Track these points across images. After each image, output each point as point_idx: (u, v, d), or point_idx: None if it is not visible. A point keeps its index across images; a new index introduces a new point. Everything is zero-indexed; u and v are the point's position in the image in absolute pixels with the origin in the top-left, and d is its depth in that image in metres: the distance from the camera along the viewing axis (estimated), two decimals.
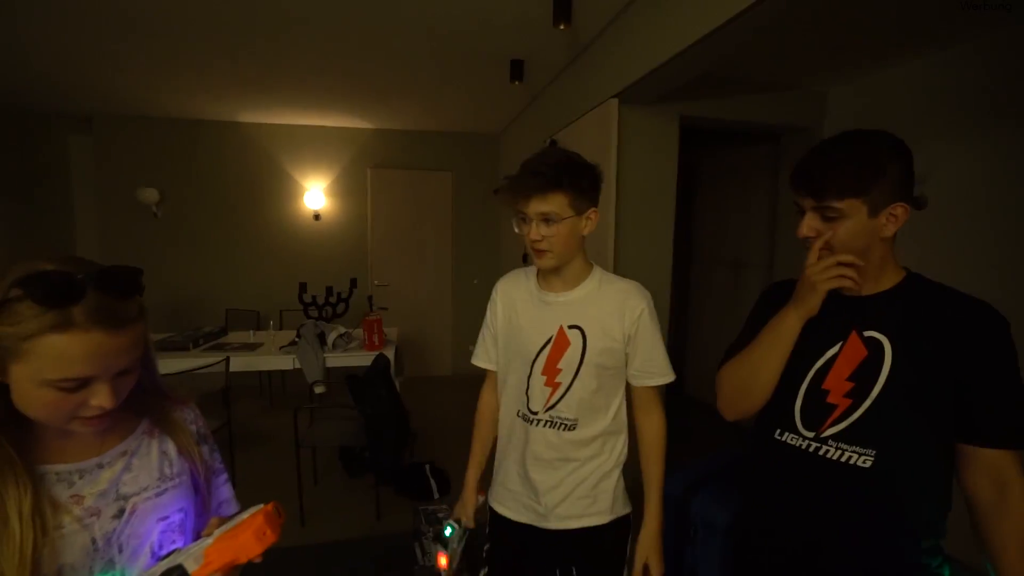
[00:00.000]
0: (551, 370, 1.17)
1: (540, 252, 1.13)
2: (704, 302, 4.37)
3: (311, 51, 2.88)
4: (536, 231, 1.11)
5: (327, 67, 3.15)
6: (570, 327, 1.16)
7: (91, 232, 4.93)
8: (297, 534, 2.44)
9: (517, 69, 2.95)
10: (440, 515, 2.59)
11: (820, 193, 0.88)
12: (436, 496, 2.83)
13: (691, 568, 1.85)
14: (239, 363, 2.97)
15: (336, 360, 3.12)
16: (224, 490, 0.86)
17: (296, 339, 3.13)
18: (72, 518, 0.65)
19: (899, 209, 0.87)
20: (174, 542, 0.73)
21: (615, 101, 2.49)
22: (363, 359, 3.09)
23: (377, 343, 3.11)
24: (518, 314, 1.26)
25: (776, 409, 1.00)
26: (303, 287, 3.40)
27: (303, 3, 2.29)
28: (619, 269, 2.61)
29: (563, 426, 1.18)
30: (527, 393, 1.21)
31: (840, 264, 0.89)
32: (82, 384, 0.61)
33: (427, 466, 2.98)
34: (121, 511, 0.69)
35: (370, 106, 4.08)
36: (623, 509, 1.26)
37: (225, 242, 4.72)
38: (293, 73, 3.28)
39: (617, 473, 1.24)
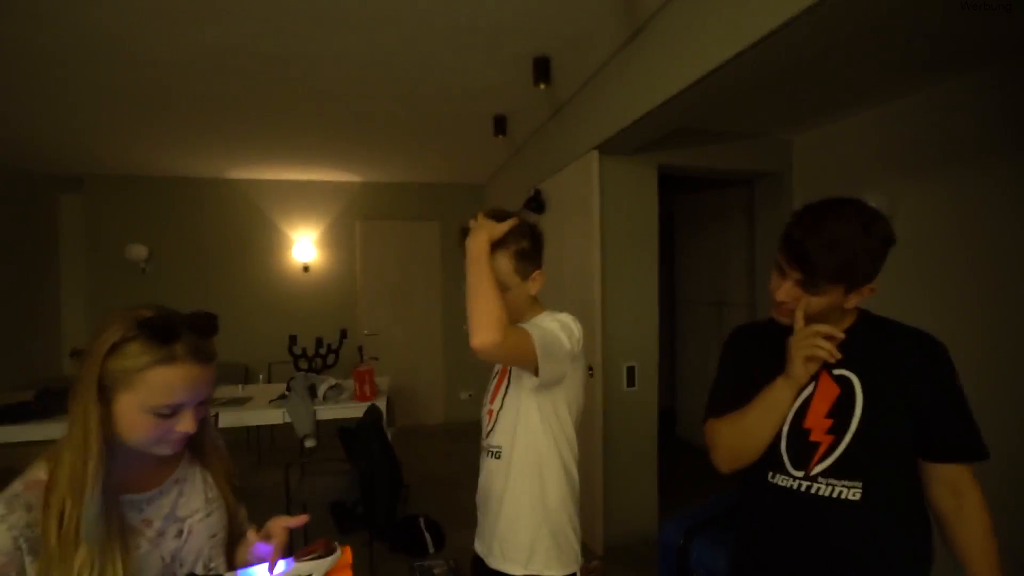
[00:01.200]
0: (492, 399, 1.29)
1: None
2: (690, 343, 4.43)
3: (298, 114, 3.00)
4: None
5: (314, 128, 3.27)
6: None
7: (77, 289, 4.90)
8: None
9: (500, 124, 3.10)
10: (436, 571, 2.53)
11: (814, 275, 0.92)
12: (431, 551, 2.76)
13: None
14: (228, 418, 2.93)
15: (327, 412, 3.09)
16: (242, 508, 0.95)
17: (286, 392, 3.11)
18: (145, 540, 0.76)
19: (867, 290, 0.94)
20: (219, 555, 0.85)
21: (595, 152, 2.62)
22: (354, 410, 3.06)
23: (369, 394, 3.09)
24: None
25: (764, 453, 1.03)
26: (293, 339, 3.41)
27: (289, 71, 2.41)
28: (607, 313, 2.68)
29: (491, 454, 1.25)
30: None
31: (823, 337, 0.94)
32: (175, 411, 0.74)
33: (421, 519, 2.91)
34: (180, 532, 0.80)
35: (357, 161, 4.21)
36: (545, 568, 1.17)
37: (212, 296, 4.71)
38: (280, 134, 3.40)
39: (536, 518, 1.18)
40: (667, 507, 2.91)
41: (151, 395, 0.71)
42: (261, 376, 3.84)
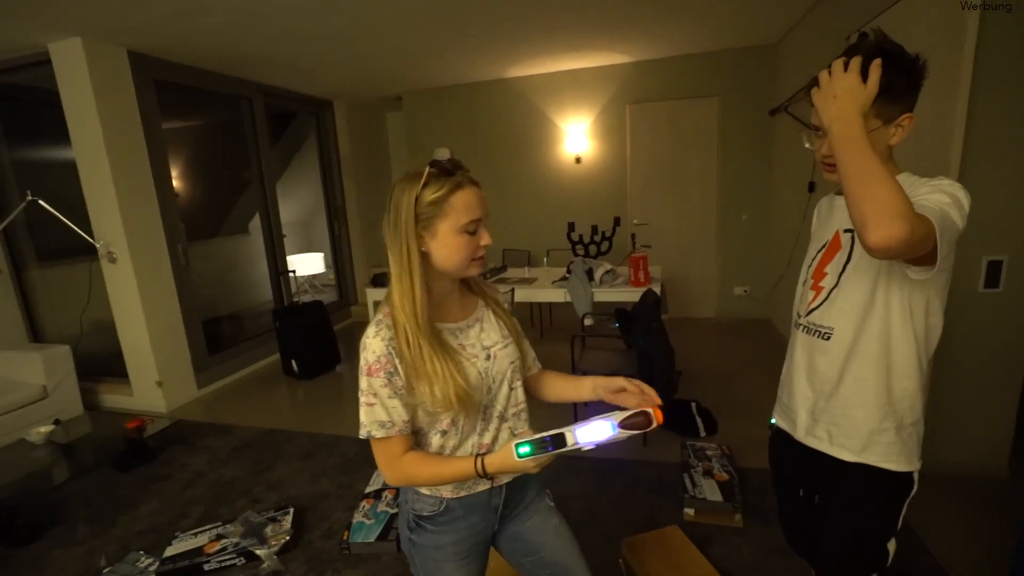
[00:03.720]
0: (817, 272, 1.16)
1: (831, 168, 1.03)
2: None
3: None
4: (829, 146, 0.99)
5: (584, 3, 3.12)
6: (845, 231, 1.11)
7: None
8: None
9: None
10: (709, 452, 2.55)
11: None
12: (703, 434, 2.78)
13: None
14: (521, 294, 3.38)
15: (602, 295, 3.27)
16: (531, 350, 1.18)
17: (567, 275, 3.38)
18: (464, 357, 0.98)
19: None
20: (518, 379, 1.06)
21: None
22: (628, 295, 3.16)
23: (643, 280, 3.13)
24: None
25: None
26: (571, 226, 3.62)
27: None
28: (965, 184, 2.01)
29: (817, 333, 1.14)
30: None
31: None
32: (476, 227, 0.94)
33: (693, 404, 2.93)
34: (488, 356, 1.02)
35: (628, 36, 3.93)
36: (884, 460, 1.07)
37: (500, 189, 5.32)
38: (553, 20, 3.37)
39: (881, 410, 1.06)
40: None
41: (460, 215, 0.91)
42: (545, 260, 4.26)
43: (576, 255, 3.59)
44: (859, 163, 0.81)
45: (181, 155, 5.06)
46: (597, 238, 3.64)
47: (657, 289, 3.06)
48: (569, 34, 3.75)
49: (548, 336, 4.72)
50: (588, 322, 3.17)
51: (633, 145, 4.86)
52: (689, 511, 2.11)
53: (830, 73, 0.89)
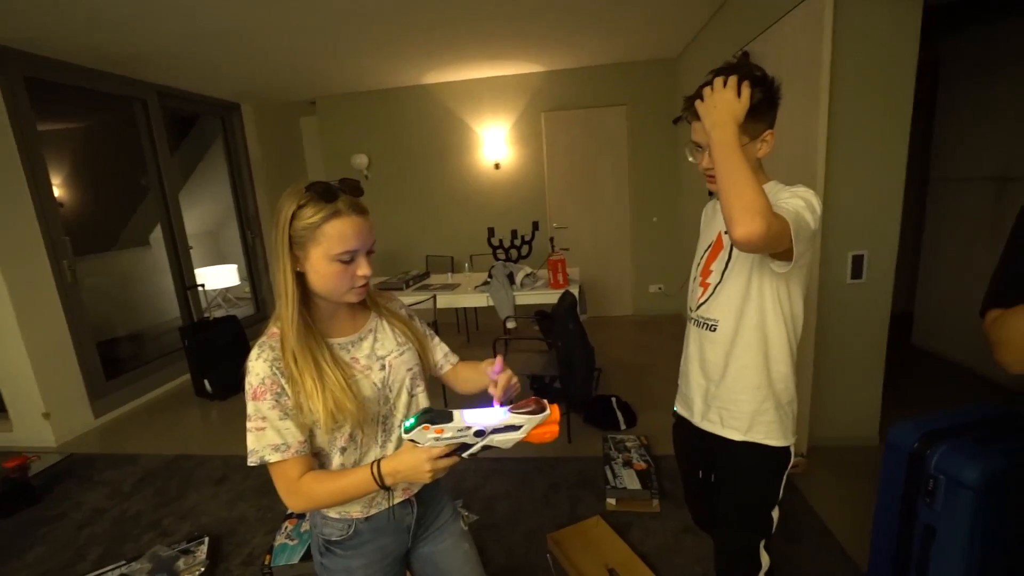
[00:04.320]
0: (704, 270, 1.29)
1: (712, 179, 1.14)
2: (944, 232, 3.58)
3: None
4: (709, 159, 1.09)
5: (496, 14, 3.20)
6: (726, 232, 1.21)
7: None
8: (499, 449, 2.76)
9: None
10: (628, 444, 2.70)
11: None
12: (623, 427, 2.93)
13: (926, 526, 1.64)
14: (443, 301, 3.39)
15: (524, 298, 3.36)
16: (440, 348, 1.18)
17: (488, 279, 3.43)
18: (357, 371, 0.97)
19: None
20: (419, 384, 1.06)
21: None
22: (549, 297, 3.26)
23: (562, 281, 3.24)
24: None
25: None
26: (491, 231, 3.68)
27: None
28: (830, 189, 2.29)
29: (704, 325, 1.27)
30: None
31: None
32: (352, 257, 0.91)
33: (613, 399, 3.08)
34: (383, 366, 1.01)
35: (540, 46, 4.06)
36: (765, 437, 1.21)
37: (421, 195, 5.29)
38: (467, 27, 3.42)
39: (761, 392, 1.20)
40: (893, 419, 2.58)
41: (332, 245, 0.88)
42: (467, 266, 4.29)
43: (497, 259, 3.65)
44: (731, 166, 0.95)
45: (65, 161, 4.60)
46: (517, 242, 3.73)
47: (575, 290, 3.19)
48: (484, 40, 3.80)
49: (474, 341, 4.75)
50: (511, 325, 3.24)
51: (550, 151, 5.02)
52: (611, 501, 2.23)
53: (712, 88, 1.02)
